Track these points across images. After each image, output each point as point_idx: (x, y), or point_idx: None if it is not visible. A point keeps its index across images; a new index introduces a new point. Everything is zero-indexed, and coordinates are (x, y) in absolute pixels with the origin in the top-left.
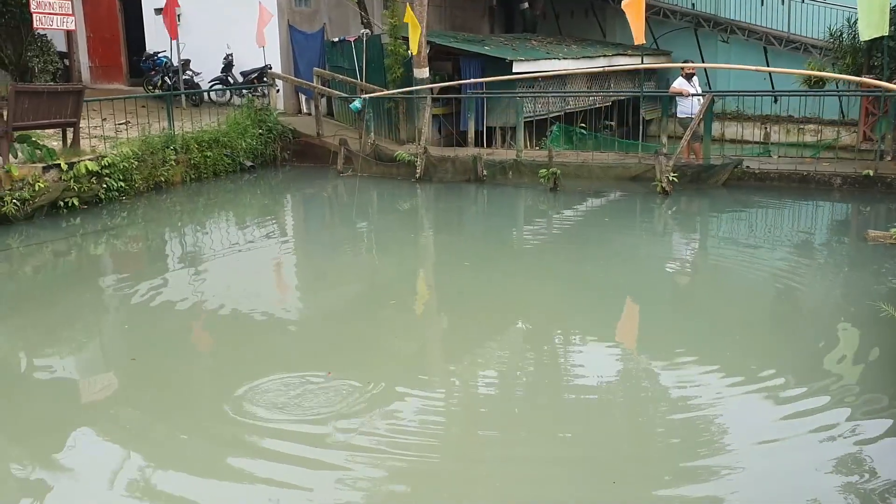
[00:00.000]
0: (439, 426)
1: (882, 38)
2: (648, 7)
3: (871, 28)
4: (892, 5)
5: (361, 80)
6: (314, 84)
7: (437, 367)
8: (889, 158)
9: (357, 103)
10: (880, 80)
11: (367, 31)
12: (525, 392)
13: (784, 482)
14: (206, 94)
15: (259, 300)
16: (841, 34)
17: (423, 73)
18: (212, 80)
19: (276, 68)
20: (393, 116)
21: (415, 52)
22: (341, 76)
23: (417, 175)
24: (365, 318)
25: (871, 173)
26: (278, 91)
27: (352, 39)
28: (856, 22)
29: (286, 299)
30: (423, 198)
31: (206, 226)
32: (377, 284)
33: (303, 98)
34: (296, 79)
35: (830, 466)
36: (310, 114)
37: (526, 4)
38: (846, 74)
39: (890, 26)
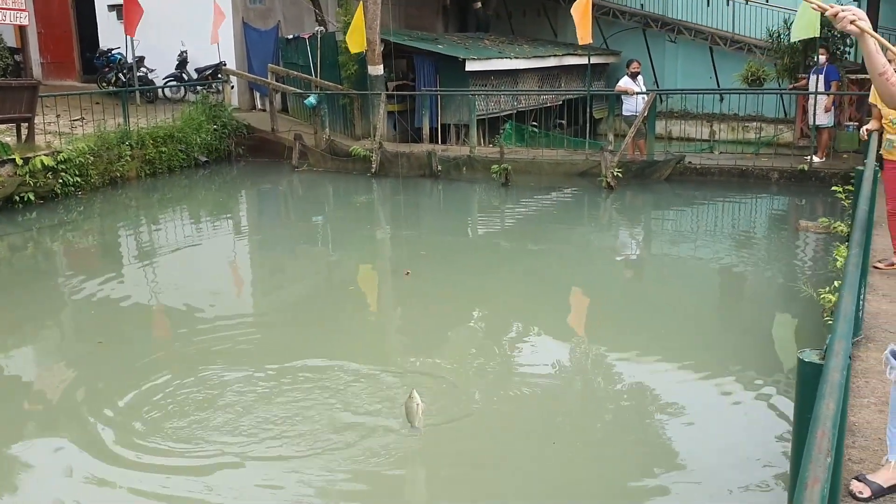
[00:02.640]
0: (387, 423)
1: (815, 38)
2: (598, 7)
3: (802, 30)
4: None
5: (316, 76)
6: (269, 80)
7: (393, 360)
8: (826, 157)
9: (312, 99)
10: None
11: (322, 28)
12: (480, 383)
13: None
14: (160, 90)
15: (212, 295)
16: (779, 35)
17: (377, 70)
18: (166, 77)
19: (231, 65)
20: (348, 112)
21: (354, 50)
22: (296, 73)
23: (373, 170)
24: (321, 310)
25: (807, 168)
26: (233, 87)
27: (306, 36)
28: (793, 23)
29: (241, 294)
30: (378, 192)
31: (161, 221)
32: (334, 278)
33: (257, 94)
34: (250, 75)
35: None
36: (264, 110)
37: (479, 4)
38: (784, 73)
39: (822, 28)
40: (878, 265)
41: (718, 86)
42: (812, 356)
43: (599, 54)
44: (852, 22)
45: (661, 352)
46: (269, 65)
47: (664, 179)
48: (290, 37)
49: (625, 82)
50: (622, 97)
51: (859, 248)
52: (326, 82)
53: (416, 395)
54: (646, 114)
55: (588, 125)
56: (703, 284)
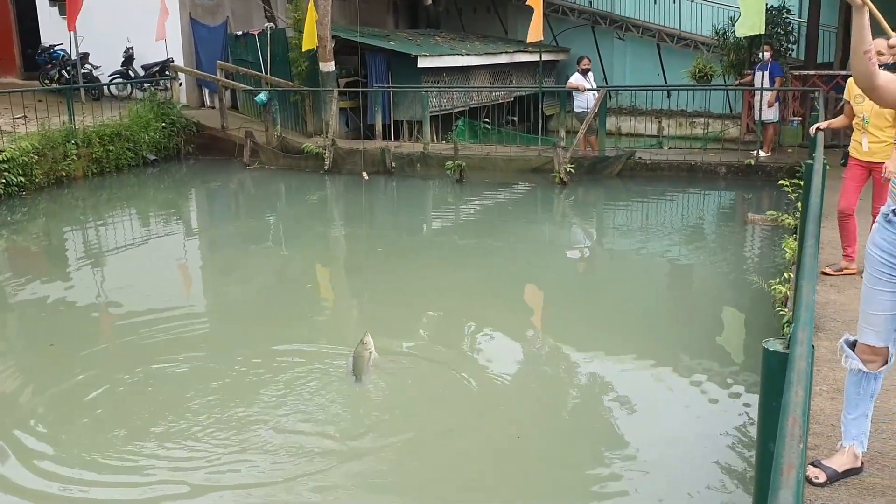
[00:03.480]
0: (336, 418)
1: (760, 35)
2: (548, 4)
3: (747, 27)
4: (768, 6)
5: (266, 73)
6: (218, 77)
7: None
8: (772, 151)
9: (263, 96)
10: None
11: (272, 24)
12: (438, 379)
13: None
14: (106, 87)
15: (161, 296)
16: (725, 32)
17: (328, 66)
18: (112, 74)
19: (179, 62)
20: (299, 109)
21: (306, 47)
22: (245, 69)
23: (326, 167)
24: (273, 308)
25: (753, 162)
26: (181, 84)
27: (256, 33)
28: (738, 20)
29: (191, 294)
30: (331, 189)
31: (109, 220)
32: (287, 276)
33: (206, 91)
34: (199, 72)
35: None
36: (213, 107)
37: (429, 1)
38: (730, 69)
39: (766, 25)
40: (828, 271)
41: (666, 82)
42: (777, 345)
43: (550, 51)
44: None
45: (617, 345)
46: (218, 61)
47: (615, 175)
48: (240, 33)
49: (576, 79)
50: (573, 94)
51: (814, 238)
52: (277, 79)
53: (370, 340)
54: (597, 110)
55: (540, 121)
56: (656, 278)
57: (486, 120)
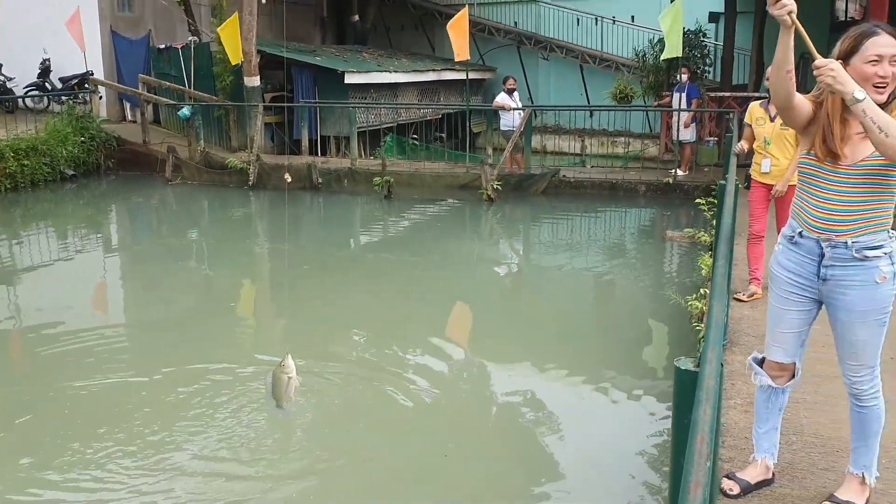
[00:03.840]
0: (259, 442)
1: (678, 58)
2: (474, 24)
3: (669, 50)
4: (686, 30)
5: (190, 87)
6: (140, 91)
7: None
8: (690, 170)
9: (186, 110)
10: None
11: (195, 38)
12: (364, 397)
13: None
14: (20, 100)
15: (79, 315)
16: (644, 54)
17: (253, 81)
18: (27, 86)
19: (99, 75)
20: (224, 124)
21: (233, 62)
22: (168, 83)
23: (250, 182)
24: (197, 327)
25: (671, 181)
26: (101, 98)
27: (179, 46)
28: (657, 43)
29: (110, 313)
30: (256, 205)
31: (24, 237)
32: (210, 293)
33: (127, 105)
34: (120, 85)
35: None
36: (135, 121)
37: (357, 17)
38: (650, 91)
39: (684, 48)
40: (741, 297)
41: (589, 102)
42: (688, 364)
43: (476, 70)
44: (790, 12)
45: (540, 360)
46: (140, 75)
47: (541, 192)
48: (163, 46)
49: (501, 98)
50: (499, 112)
51: (725, 260)
52: (201, 93)
53: (291, 364)
54: (522, 129)
55: (467, 139)
56: (579, 293)
57: (415, 136)
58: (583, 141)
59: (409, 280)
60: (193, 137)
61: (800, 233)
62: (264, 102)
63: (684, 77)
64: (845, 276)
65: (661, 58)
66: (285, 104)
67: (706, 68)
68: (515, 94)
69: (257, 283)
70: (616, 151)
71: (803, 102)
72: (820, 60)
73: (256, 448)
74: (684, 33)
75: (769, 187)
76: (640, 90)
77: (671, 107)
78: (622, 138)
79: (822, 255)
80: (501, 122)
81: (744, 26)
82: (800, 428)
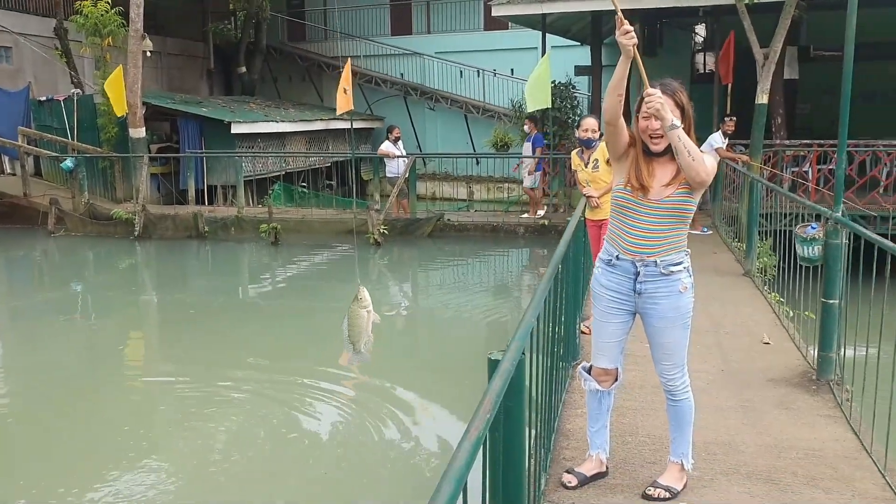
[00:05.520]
0: (151, 489)
1: (548, 109)
2: (362, 75)
3: (536, 101)
4: (556, 82)
5: (73, 139)
6: (19, 143)
7: (162, 428)
8: (561, 210)
9: (69, 162)
10: (549, 144)
11: (78, 90)
12: (253, 442)
13: None
14: None
15: None
16: (520, 105)
17: (139, 133)
18: None
19: None
20: (109, 175)
21: (118, 114)
22: (50, 136)
23: (136, 233)
24: (79, 380)
25: (547, 222)
26: None
27: (61, 99)
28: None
29: None
30: (142, 256)
31: None
32: (94, 347)
33: (6, 158)
34: None
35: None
36: (14, 174)
37: (244, 69)
38: (525, 139)
39: (553, 100)
40: (585, 330)
41: (474, 150)
42: (498, 355)
43: (364, 119)
44: (634, 44)
45: (428, 400)
46: (20, 127)
47: (427, 235)
48: (44, 98)
49: (386, 146)
50: (385, 160)
51: (552, 280)
52: (85, 145)
53: (367, 296)
54: (407, 175)
55: (356, 186)
56: (463, 332)
57: (303, 184)
58: (469, 187)
59: (298, 323)
60: (77, 189)
61: (616, 256)
62: (150, 153)
63: (526, 128)
64: (656, 289)
65: (530, 109)
66: (172, 155)
67: (576, 117)
68: (400, 142)
69: (142, 333)
70: (501, 196)
71: (625, 128)
72: (651, 89)
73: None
74: (555, 85)
75: (597, 223)
76: (517, 138)
77: (524, 154)
78: (505, 184)
79: (637, 274)
80: (387, 169)
81: (609, 79)
82: (634, 430)
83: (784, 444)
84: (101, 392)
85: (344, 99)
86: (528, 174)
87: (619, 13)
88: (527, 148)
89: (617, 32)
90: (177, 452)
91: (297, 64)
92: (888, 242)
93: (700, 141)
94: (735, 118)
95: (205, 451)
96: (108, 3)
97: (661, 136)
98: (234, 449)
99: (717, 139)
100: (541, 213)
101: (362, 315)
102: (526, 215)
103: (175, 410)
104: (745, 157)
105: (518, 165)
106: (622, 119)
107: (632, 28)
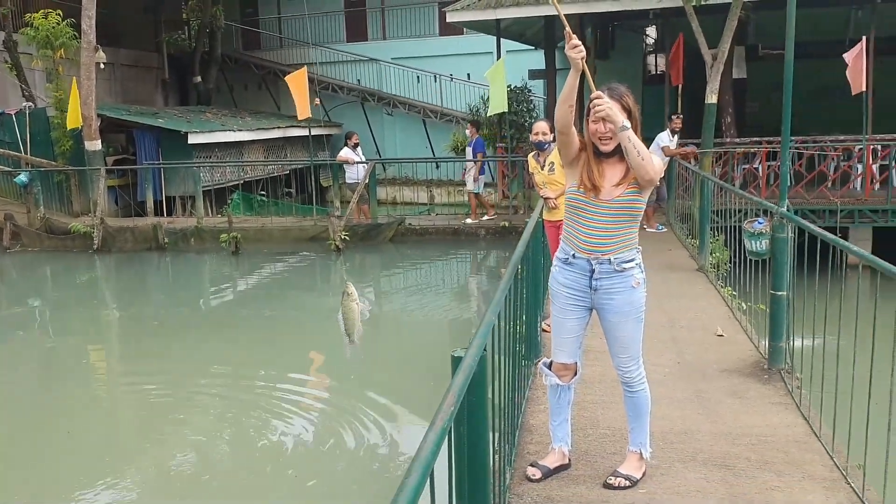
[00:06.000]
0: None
1: (505, 113)
2: (318, 82)
3: (496, 106)
4: (512, 86)
5: (26, 153)
6: None
7: (128, 439)
8: (521, 212)
9: (23, 177)
10: (507, 147)
11: (30, 104)
12: (219, 453)
13: None
14: None
15: None
16: (478, 109)
17: (94, 145)
18: None
19: None
20: (65, 189)
21: (71, 126)
22: (2, 150)
23: (95, 246)
24: (41, 398)
25: (507, 224)
26: None
27: (12, 112)
28: (489, 98)
29: None
30: (102, 269)
31: None
32: (55, 364)
33: None
34: None
35: None
36: None
37: (199, 78)
38: (487, 142)
39: (510, 104)
40: (546, 329)
41: (433, 154)
42: (461, 352)
43: (322, 126)
44: (582, 58)
45: (395, 401)
46: None
47: (389, 240)
48: None
49: (345, 153)
50: (345, 166)
51: (512, 278)
52: (39, 159)
53: (354, 291)
54: (367, 181)
55: (315, 193)
56: (428, 333)
57: (262, 193)
58: (430, 191)
59: (262, 331)
60: (32, 204)
61: (573, 255)
62: (107, 166)
63: (468, 132)
64: (611, 285)
65: (489, 113)
66: (129, 167)
67: (532, 120)
68: (359, 148)
69: (104, 348)
70: (461, 199)
71: (576, 135)
72: (598, 93)
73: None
74: (511, 89)
75: (555, 224)
76: None
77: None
78: (466, 187)
79: (592, 271)
80: (347, 175)
81: (563, 82)
82: (595, 423)
83: (737, 431)
84: (63, 406)
85: (303, 102)
86: (474, 180)
87: (568, 28)
88: (469, 153)
89: (566, 47)
90: (144, 463)
91: (252, 72)
92: (830, 235)
93: (648, 141)
94: (682, 115)
95: (173, 460)
96: (59, 15)
97: (610, 138)
98: (202, 457)
99: (664, 138)
100: (487, 217)
101: (353, 308)
102: (469, 220)
103: (141, 421)
104: (691, 150)
105: (465, 171)
106: (573, 128)
107: (580, 42)
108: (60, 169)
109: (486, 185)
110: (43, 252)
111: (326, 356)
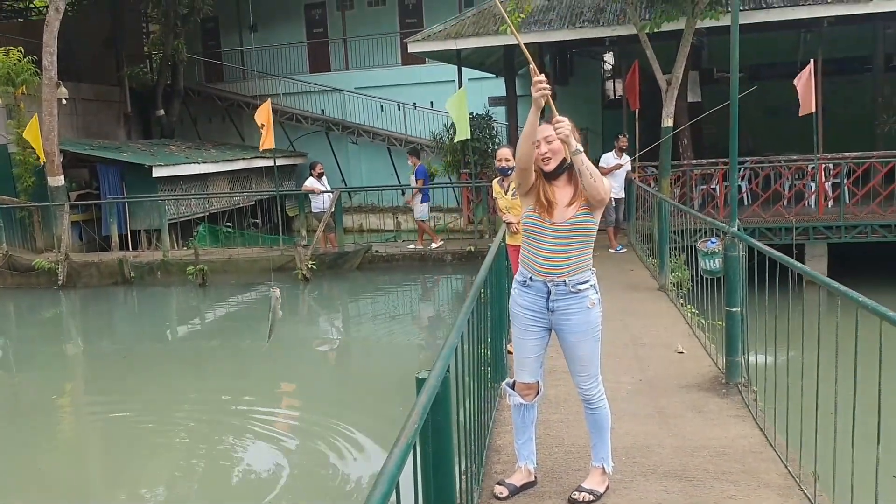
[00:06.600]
0: None
1: (468, 139)
2: (282, 113)
3: (460, 134)
4: (474, 114)
5: None
6: None
7: (100, 470)
8: (486, 236)
9: None
10: (471, 173)
11: None
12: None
13: None
14: None
15: None
16: (441, 137)
17: (57, 181)
18: None
19: None
20: (27, 225)
21: (44, 159)
22: None
23: (60, 282)
24: (10, 434)
25: (473, 249)
26: None
27: None
28: (451, 126)
29: None
30: (68, 305)
31: None
32: (19, 403)
33: None
34: None
35: None
36: None
37: (162, 111)
38: (451, 169)
39: (472, 131)
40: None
41: (399, 181)
42: (425, 374)
43: (286, 156)
44: (545, 96)
45: (364, 424)
46: None
47: (356, 268)
48: None
49: (310, 182)
50: (310, 196)
51: (475, 300)
52: (0, 196)
53: (277, 292)
54: (333, 209)
55: (282, 223)
56: (395, 358)
57: (228, 224)
58: (396, 218)
59: (229, 363)
60: None
61: (530, 277)
62: (70, 201)
63: (409, 163)
64: (567, 306)
65: (455, 140)
66: (92, 202)
67: (495, 147)
68: (324, 178)
69: (71, 385)
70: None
71: (534, 170)
72: (559, 117)
73: None
74: (472, 117)
75: (518, 248)
76: (442, 168)
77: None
78: (432, 213)
79: (549, 293)
80: (313, 204)
81: (526, 108)
82: (560, 441)
83: (697, 443)
84: (31, 442)
85: (270, 134)
86: (418, 206)
87: (533, 65)
88: (412, 181)
89: (532, 87)
90: (118, 495)
91: (216, 104)
92: (777, 252)
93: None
94: (627, 135)
95: (147, 492)
96: (20, 51)
97: (551, 158)
98: (171, 490)
99: (609, 159)
100: (436, 245)
101: (277, 308)
102: (413, 245)
103: (112, 455)
104: (621, 164)
105: (412, 198)
106: (533, 164)
107: (545, 81)
108: (23, 206)
109: (447, 210)
110: (6, 289)
111: (297, 384)
